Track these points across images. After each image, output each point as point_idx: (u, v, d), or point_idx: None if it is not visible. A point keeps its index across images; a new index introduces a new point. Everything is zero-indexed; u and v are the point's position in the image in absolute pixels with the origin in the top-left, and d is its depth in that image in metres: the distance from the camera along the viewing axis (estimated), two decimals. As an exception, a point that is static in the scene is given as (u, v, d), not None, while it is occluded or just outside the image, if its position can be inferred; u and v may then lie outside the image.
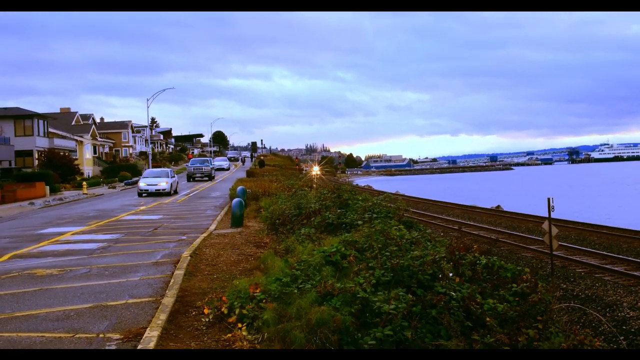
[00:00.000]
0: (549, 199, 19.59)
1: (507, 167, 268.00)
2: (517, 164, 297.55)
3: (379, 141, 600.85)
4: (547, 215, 19.73)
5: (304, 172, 69.31)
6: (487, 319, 8.78)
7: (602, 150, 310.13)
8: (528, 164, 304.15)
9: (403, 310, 8.15)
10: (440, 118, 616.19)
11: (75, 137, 73.02)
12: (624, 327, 14.22)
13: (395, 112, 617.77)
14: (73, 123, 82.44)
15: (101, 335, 8.28)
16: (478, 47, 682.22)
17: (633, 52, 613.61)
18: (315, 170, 51.29)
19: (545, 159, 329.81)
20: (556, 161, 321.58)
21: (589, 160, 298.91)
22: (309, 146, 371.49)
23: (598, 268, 19.67)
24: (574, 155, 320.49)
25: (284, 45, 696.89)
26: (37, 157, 59.75)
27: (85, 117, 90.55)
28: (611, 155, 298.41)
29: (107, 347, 7.76)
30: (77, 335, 8.28)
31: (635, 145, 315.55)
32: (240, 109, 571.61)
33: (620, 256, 21.51)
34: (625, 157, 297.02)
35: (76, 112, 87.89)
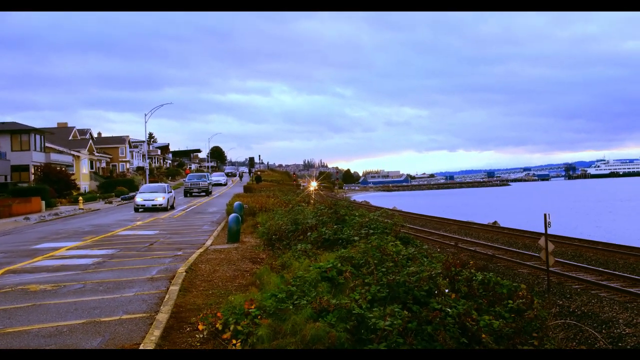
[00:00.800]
0: (545, 215, 19.59)
1: (504, 182, 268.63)
2: (514, 180, 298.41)
3: (377, 157, 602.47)
4: (543, 231, 19.72)
5: (301, 187, 69.24)
6: (483, 335, 8.74)
7: (599, 166, 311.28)
8: (525, 180, 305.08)
9: (398, 327, 8.11)
10: (439, 134, 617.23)
11: (72, 152, 73.00)
12: (620, 344, 14.17)
13: (393, 127, 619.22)
14: (70, 138, 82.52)
15: (94, 352, 8.21)
16: (476, 63, 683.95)
17: (629, 67, 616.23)
18: (313, 185, 51.31)
19: (542, 174, 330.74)
20: (553, 177, 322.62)
21: (585, 176, 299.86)
22: (306, 161, 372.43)
23: (594, 284, 19.65)
24: (571, 171, 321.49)
25: (284, 61, 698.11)
26: (33, 171, 59.72)
27: (83, 132, 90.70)
28: (607, 172, 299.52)
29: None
30: (69, 352, 8.21)
31: (631, 161, 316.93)
32: (239, 125, 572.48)
33: (616, 272, 21.51)
34: (621, 173, 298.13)
35: (74, 127, 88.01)
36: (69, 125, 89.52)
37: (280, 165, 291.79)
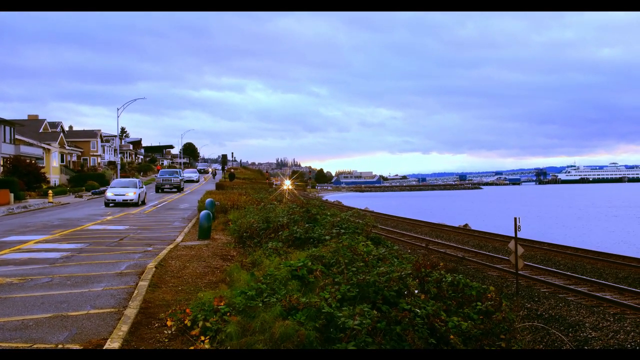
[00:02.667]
0: (515, 219, 19.75)
1: (476, 186, 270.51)
2: (486, 184, 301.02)
3: (350, 157, 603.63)
4: (513, 235, 19.89)
5: (274, 186, 69.19)
6: (451, 336, 8.79)
7: (569, 172, 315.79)
8: (496, 184, 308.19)
9: (367, 326, 8.12)
10: (413, 136, 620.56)
11: (43, 145, 72.11)
12: (586, 348, 14.34)
13: (367, 128, 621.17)
14: (41, 130, 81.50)
15: (60, 346, 8.11)
16: (453, 66, 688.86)
17: (603, 74, 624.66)
18: (287, 184, 51.36)
19: (513, 179, 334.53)
20: (524, 181, 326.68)
21: (556, 181, 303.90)
22: (279, 160, 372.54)
23: (562, 288, 19.87)
24: (542, 176, 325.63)
25: (259, 58, 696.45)
26: (2, 163, 58.82)
27: (54, 124, 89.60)
28: (577, 177, 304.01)
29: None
30: (34, 346, 8.10)
31: (601, 167, 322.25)
32: (212, 121, 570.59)
33: (584, 277, 21.77)
34: (591, 179, 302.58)
35: (44, 120, 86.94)
36: (40, 117, 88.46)
37: (253, 164, 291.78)
